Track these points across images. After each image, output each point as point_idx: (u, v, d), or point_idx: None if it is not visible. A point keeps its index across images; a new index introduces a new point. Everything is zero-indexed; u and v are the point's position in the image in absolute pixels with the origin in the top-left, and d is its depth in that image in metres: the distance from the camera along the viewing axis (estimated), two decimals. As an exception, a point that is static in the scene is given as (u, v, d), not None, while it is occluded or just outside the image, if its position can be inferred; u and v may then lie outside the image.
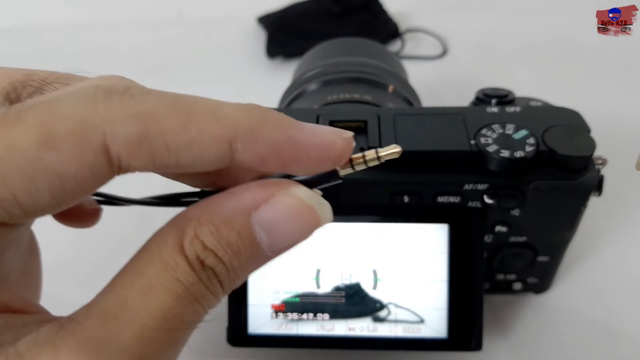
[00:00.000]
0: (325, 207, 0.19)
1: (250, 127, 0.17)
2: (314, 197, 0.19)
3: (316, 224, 0.19)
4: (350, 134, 0.19)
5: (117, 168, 0.16)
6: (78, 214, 0.24)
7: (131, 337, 0.16)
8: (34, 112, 0.15)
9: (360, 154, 0.20)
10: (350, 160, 0.20)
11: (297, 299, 0.33)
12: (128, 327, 0.16)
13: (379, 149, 0.20)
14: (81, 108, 0.15)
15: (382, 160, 0.20)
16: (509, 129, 0.31)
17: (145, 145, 0.16)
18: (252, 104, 0.18)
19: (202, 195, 0.21)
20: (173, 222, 0.18)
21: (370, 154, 0.20)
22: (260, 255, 0.18)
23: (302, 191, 0.19)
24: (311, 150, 0.18)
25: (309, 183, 0.19)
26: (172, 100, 0.16)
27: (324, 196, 0.19)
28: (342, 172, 0.20)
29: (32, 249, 0.23)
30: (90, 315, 0.16)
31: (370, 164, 0.20)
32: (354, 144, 0.19)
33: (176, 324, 0.17)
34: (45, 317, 0.18)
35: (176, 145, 0.16)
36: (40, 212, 0.16)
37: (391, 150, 0.20)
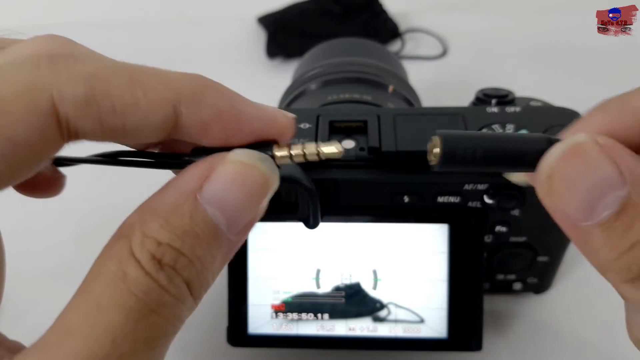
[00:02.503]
0: (268, 163, 0.18)
1: (194, 92, 0.17)
2: (252, 155, 0.18)
3: (265, 183, 0.18)
4: (293, 115, 0.19)
5: (67, 132, 0.16)
6: (40, 183, 0.23)
7: None
8: None
9: (300, 144, 0.19)
10: (289, 147, 0.19)
11: (297, 299, 0.33)
12: (70, 358, 0.14)
13: (321, 144, 0.19)
14: (27, 72, 0.15)
15: (322, 157, 0.19)
16: (509, 129, 0.31)
17: (92, 106, 0.16)
18: (198, 74, 0.18)
19: (141, 154, 0.20)
20: (116, 234, 0.17)
21: (310, 147, 0.19)
22: (222, 239, 0.17)
23: (239, 153, 0.18)
24: (254, 121, 0.18)
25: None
26: (116, 64, 0.17)
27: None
28: (279, 158, 0.19)
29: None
30: (33, 349, 0.15)
31: (310, 158, 0.19)
32: (294, 125, 0.19)
33: (129, 346, 0.15)
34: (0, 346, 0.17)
35: (122, 106, 0.16)
36: None
37: (332, 150, 0.19)
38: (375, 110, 0.34)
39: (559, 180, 0.17)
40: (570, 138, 0.17)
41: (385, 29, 0.74)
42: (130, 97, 0.16)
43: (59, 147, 0.16)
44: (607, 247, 0.16)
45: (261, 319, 0.33)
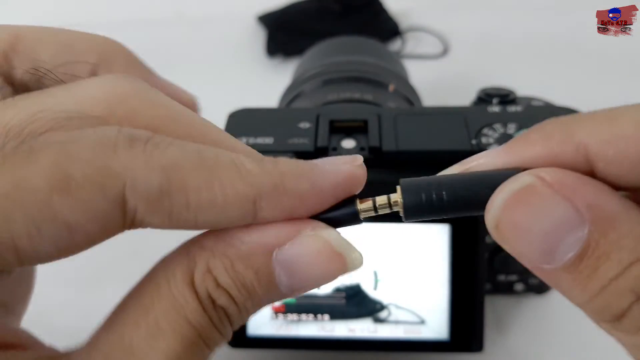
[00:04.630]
0: (355, 255, 0.18)
1: (274, 183, 0.16)
2: (343, 243, 0.17)
3: (343, 270, 0.17)
4: (361, 158, 0.18)
5: (130, 222, 0.15)
6: None
7: None
8: (48, 150, 0.14)
9: (384, 197, 0.18)
10: (374, 203, 0.18)
11: (297, 300, 0.33)
12: None
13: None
14: (101, 152, 0.14)
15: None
16: (511, 128, 0.31)
17: (165, 200, 0.14)
18: (277, 162, 0.16)
19: None
20: (183, 249, 0.16)
21: (394, 196, 0.18)
22: (276, 294, 0.17)
23: (332, 234, 0.17)
24: (334, 189, 0.17)
25: (332, 222, 0.18)
26: (196, 153, 0.15)
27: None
28: (363, 212, 0.18)
29: (29, 281, 0.21)
30: (92, 358, 0.15)
31: (395, 208, 0.18)
32: (365, 171, 0.18)
33: None
34: (40, 354, 0.16)
35: (197, 203, 0.15)
36: (35, 262, 0.15)
37: None
38: (375, 110, 0.33)
39: (508, 230, 0.15)
40: (513, 182, 0.16)
41: (386, 28, 0.73)
42: (206, 195, 0.15)
43: (115, 234, 0.15)
44: (577, 290, 0.15)
45: (261, 320, 0.33)
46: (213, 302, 0.16)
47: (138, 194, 0.14)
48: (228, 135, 0.18)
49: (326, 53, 0.50)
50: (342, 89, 0.40)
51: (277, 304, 0.33)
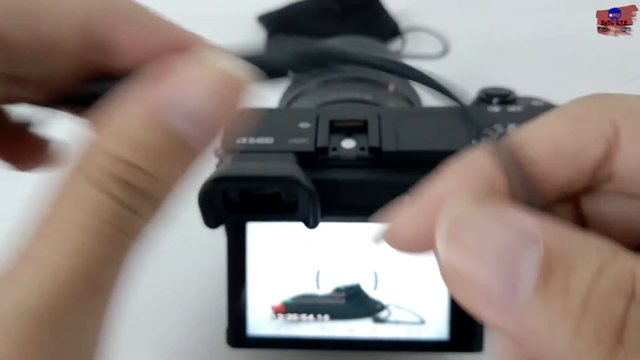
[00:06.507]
0: (244, 66, 0.16)
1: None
2: (229, 60, 0.16)
3: (243, 90, 0.16)
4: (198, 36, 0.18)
5: None
6: (24, 150, 0.22)
7: (34, 296, 0.14)
8: None
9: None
10: None
11: (297, 300, 0.33)
12: (46, 287, 0.14)
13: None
14: None
15: None
16: (511, 128, 0.31)
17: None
18: None
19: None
20: (70, 165, 0.16)
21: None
22: (189, 152, 0.16)
23: (214, 58, 0.16)
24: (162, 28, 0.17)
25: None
26: None
27: None
28: None
29: None
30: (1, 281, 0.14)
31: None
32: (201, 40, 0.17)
33: (101, 267, 0.15)
34: None
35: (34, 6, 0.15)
36: None
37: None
38: (375, 110, 0.33)
39: (461, 260, 0.13)
40: (442, 219, 0.14)
41: (386, 28, 0.73)
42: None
43: None
44: (558, 323, 0.12)
45: (261, 320, 0.33)
46: (121, 180, 0.15)
47: None
48: None
49: (326, 53, 0.50)
50: (342, 89, 0.40)
51: (277, 304, 0.33)
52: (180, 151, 0.16)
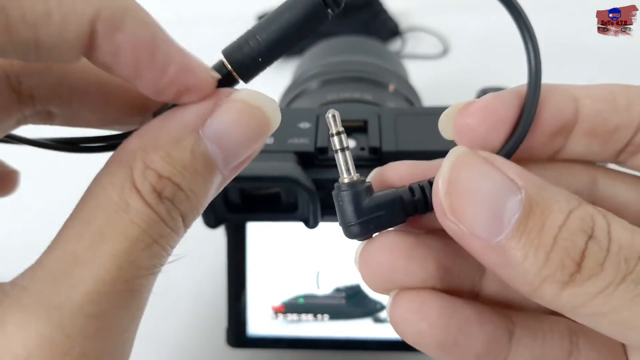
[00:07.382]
0: (272, 105, 0.18)
1: (115, 11, 0.16)
2: (258, 97, 0.18)
3: (266, 123, 0.18)
4: (218, 76, 0.18)
5: None
6: None
7: (85, 294, 0.15)
8: None
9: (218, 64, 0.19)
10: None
11: (297, 300, 0.33)
12: (80, 284, 0.15)
13: None
14: None
15: None
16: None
17: (1, 15, 0.14)
18: None
19: (107, 139, 0.20)
20: (115, 160, 0.17)
21: None
22: (217, 174, 0.17)
23: (245, 93, 0.18)
24: (169, 62, 0.17)
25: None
26: None
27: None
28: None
29: None
30: (37, 277, 0.15)
31: (233, 73, 0.18)
32: (214, 85, 0.18)
33: (134, 272, 0.16)
34: None
35: (33, 16, 0.15)
36: None
37: None
38: (375, 110, 0.33)
39: (457, 194, 0.16)
40: (454, 152, 0.17)
41: (385, 28, 0.73)
42: (42, 7, 0.15)
43: None
44: (532, 253, 0.15)
45: (261, 320, 0.33)
46: (159, 195, 0.16)
47: None
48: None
49: (326, 53, 0.50)
50: (342, 89, 0.40)
51: (277, 304, 0.33)
52: (209, 172, 0.17)
